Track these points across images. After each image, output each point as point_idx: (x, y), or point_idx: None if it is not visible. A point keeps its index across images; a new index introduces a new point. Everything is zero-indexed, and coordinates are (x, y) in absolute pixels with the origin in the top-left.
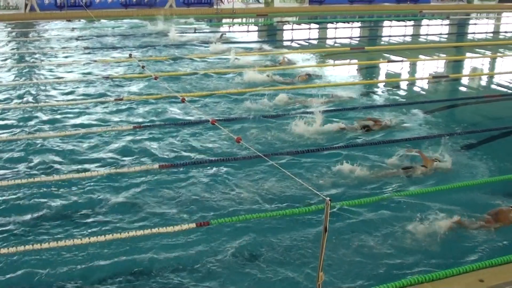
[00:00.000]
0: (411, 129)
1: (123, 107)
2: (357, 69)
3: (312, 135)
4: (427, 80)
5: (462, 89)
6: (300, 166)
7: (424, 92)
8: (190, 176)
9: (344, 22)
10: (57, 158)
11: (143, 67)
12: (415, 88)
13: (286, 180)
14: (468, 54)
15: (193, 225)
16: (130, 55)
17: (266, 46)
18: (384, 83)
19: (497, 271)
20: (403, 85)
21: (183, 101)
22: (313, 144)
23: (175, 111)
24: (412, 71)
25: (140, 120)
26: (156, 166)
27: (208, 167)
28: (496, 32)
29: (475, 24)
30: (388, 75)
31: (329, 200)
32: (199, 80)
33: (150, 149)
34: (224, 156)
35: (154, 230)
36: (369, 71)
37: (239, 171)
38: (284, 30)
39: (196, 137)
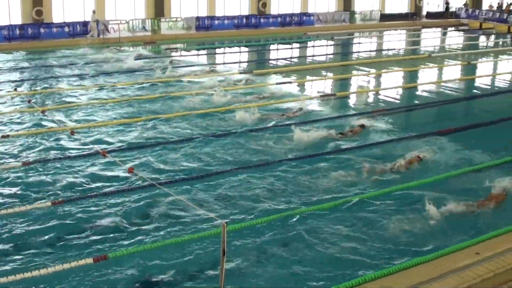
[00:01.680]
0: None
1: (10, 144)
2: (242, 93)
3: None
4: (316, 99)
5: (350, 105)
6: (199, 190)
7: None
8: (83, 210)
9: (231, 47)
10: None
11: (29, 101)
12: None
13: (184, 206)
14: (354, 72)
15: (90, 260)
16: (16, 89)
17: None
18: (272, 104)
19: (490, 244)
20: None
21: (72, 133)
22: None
23: (65, 145)
24: (301, 90)
25: (29, 156)
26: (48, 203)
27: (102, 199)
28: (379, 50)
29: (359, 43)
30: (275, 97)
31: (225, 223)
32: (88, 111)
33: (41, 185)
34: (118, 187)
35: (50, 270)
36: (257, 94)
37: (134, 201)
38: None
39: (87, 170)
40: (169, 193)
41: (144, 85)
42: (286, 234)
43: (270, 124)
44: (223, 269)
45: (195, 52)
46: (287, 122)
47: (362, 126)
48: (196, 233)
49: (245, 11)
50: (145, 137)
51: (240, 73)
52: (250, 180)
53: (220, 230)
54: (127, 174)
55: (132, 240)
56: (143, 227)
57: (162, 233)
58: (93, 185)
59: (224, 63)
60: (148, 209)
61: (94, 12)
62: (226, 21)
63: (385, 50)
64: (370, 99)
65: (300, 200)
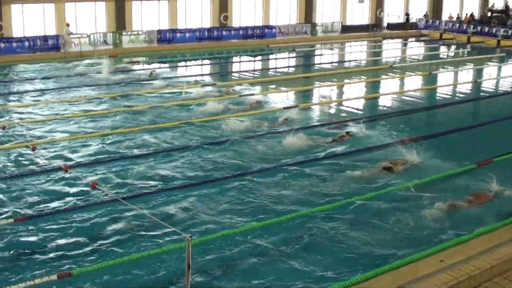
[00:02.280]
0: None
1: None
2: (206, 106)
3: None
4: (277, 111)
5: (313, 117)
6: (163, 204)
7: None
8: (47, 226)
9: (194, 60)
10: None
11: None
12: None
13: (148, 221)
14: (316, 84)
15: (54, 277)
16: None
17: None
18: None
19: (455, 251)
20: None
21: (33, 149)
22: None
23: (26, 161)
24: (265, 102)
25: None
26: (10, 220)
27: (66, 215)
28: (341, 61)
29: (321, 54)
30: (238, 110)
31: (190, 237)
32: (51, 126)
33: (3, 202)
34: (81, 202)
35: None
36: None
37: (98, 216)
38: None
39: (50, 185)
40: (133, 207)
41: (105, 98)
42: (252, 247)
43: (236, 137)
44: (188, 283)
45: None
46: (249, 134)
47: (349, 133)
48: (160, 247)
49: (207, 24)
50: (108, 151)
51: (203, 86)
52: (215, 193)
53: (185, 244)
54: (90, 189)
55: (97, 256)
56: (107, 243)
57: (126, 248)
58: (56, 201)
59: (197, 75)
60: (112, 224)
61: (68, 25)
62: (188, 34)
63: (347, 61)
64: (333, 110)
65: (265, 211)
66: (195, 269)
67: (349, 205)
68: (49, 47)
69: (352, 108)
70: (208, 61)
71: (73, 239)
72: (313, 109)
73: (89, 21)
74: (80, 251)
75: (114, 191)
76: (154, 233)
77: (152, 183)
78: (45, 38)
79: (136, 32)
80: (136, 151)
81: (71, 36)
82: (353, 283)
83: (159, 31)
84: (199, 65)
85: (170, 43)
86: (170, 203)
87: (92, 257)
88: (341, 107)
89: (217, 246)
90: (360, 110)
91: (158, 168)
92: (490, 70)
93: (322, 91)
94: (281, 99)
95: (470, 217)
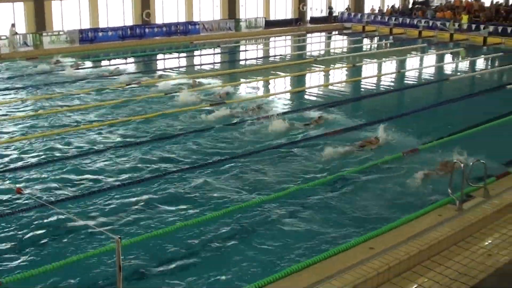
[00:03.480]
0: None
1: None
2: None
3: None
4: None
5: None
6: (91, 207)
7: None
8: None
9: (117, 59)
10: None
11: None
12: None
13: (77, 224)
14: (242, 79)
15: None
16: None
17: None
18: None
19: (384, 238)
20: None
21: None
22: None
23: None
24: (187, 100)
25: None
26: None
27: None
28: (266, 56)
29: (246, 50)
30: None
31: (119, 238)
32: None
33: None
34: (6, 209)
35: None
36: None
37: (25, 222)
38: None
39: None
40: (61, 211)
41: (29, 101)
42: (183, 246)
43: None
44: (121, 285)
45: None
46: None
47: (321, 117)
48: (91, 250)
49: (130, 22)
50: (32, 155)
51: (127, 84)
52: (145, 192)
53: (115, 246)
54: (15, 195)
55: (26, 263)
56: (36, 249)
57: (56, 253)
58: None
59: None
60: (40, 230)
61: (13, 25)
62: (110, 33)
63: (272, 56)
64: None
65: (195, 208)
66: (127, 270)
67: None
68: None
69: (278, 103)
70: (130, 60)
71: (0, 248)
72: (240, 105)
73: (7, 23)
74: (8, 259)
75: (41, 196)
76: (84, 236)
77: (80, 185)
78: None
79: (57, 33)
80: (60, 154)
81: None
82: (288, 272)
83: (81, 31)
84: (122, 64)
85: (93, 43)
86: (99, 205)
87: (21, 265)
88: (267, 102)
89: (152, 246)
90: (285, 104)
91: (85, 170)
92: (412, 61)
93: (249, 87)
94: (209, 95)
95: (398, 203)
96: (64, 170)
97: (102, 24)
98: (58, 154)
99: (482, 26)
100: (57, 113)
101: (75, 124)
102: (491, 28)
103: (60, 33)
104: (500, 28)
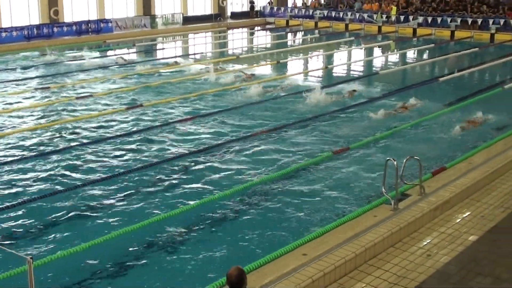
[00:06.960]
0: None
1: None
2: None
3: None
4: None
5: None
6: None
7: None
8: None
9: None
10: None
11: None
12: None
13: None
14: (160, 80)
15: None
16: None
17: None
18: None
19: (316, 244)
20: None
21: None
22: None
23: None
24: (99, 103)
25: None
26: None
27: None
28: (184, 54)
29: (163, 48)
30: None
31: (31, 258)
32: None
33: None
34: None
35: None
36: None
37: None
38: None
39: None
40: None
41: None
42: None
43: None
44: None
45: None
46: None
47: (354, 90)
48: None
49: (36, 20)
50: None
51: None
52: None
53: (26, 267)
54: None
55: None
56: None
57: None
58: None
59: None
60: None
61: None
62: (14, 33)
63: (191, 54)
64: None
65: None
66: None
67: None
68: None
69: (197, 102)
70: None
71: None
72: (158, 107)
73: None
74: None
75: None
76: None
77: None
78: None
79: None
80: None
81: None
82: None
83: None
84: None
85: None
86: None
87: None
88: (188, 102)
89: (65, 265)
90: (205, 103)
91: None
92: (340, 55)
93: (168, 87)
94: (126, 98)
95: (332, 207)
96: None
97: (5, 24)
98: None
99: (411, 17)
100: None
101: None
102: (420, 19)
103: None
104: (430, 19)
